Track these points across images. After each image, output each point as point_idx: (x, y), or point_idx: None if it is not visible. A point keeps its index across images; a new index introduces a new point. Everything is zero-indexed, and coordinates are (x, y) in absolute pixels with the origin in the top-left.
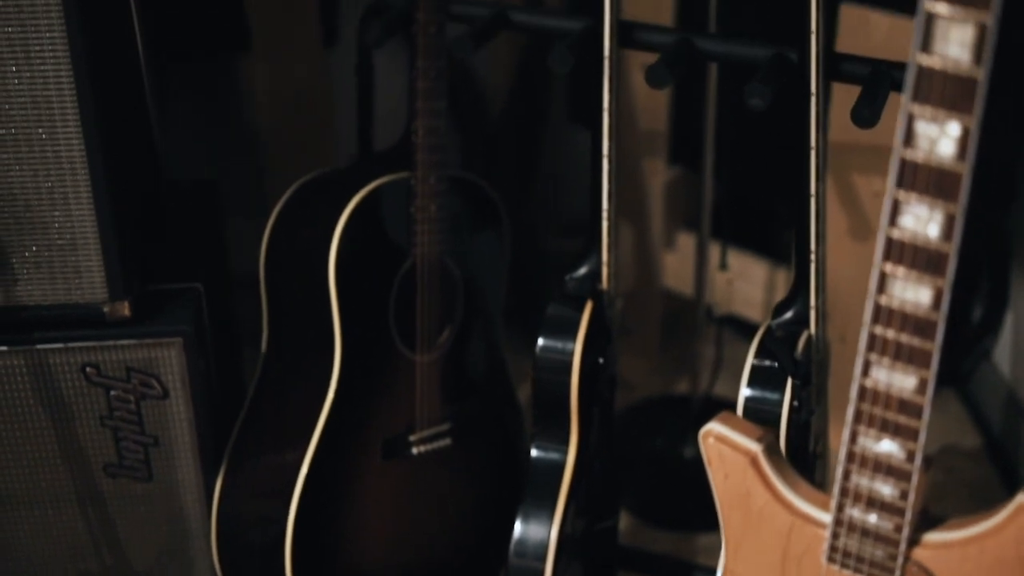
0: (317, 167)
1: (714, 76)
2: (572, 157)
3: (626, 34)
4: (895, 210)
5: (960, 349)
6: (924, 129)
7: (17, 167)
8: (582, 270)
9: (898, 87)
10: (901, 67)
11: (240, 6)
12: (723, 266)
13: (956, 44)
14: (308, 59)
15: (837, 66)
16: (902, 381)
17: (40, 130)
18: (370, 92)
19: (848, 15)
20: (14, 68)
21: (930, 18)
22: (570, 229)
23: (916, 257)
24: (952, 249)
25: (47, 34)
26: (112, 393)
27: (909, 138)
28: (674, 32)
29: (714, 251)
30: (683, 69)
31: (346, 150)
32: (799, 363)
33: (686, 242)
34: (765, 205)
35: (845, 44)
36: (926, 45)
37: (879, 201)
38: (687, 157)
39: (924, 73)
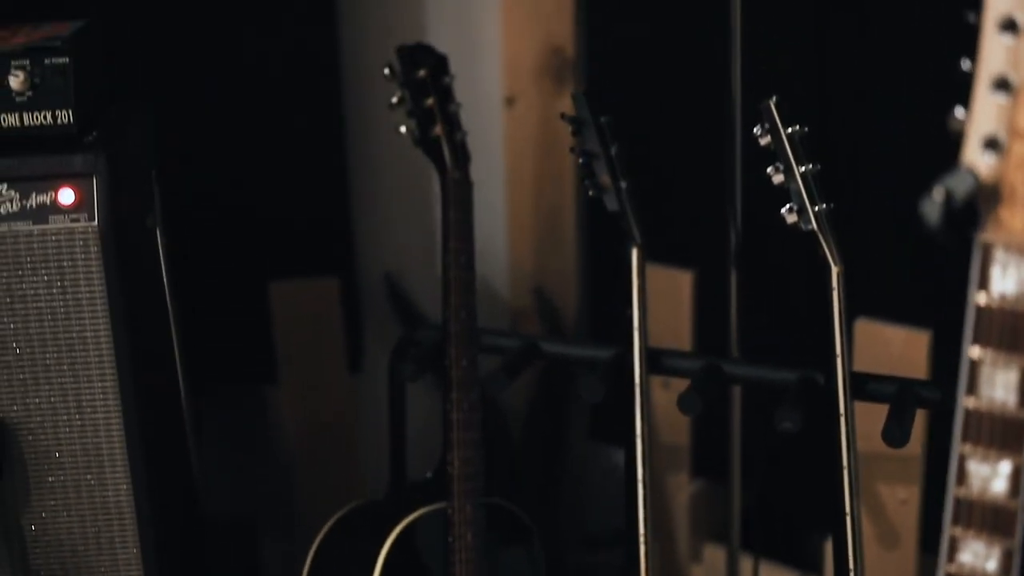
0: (345, 491)
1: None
2: (595, 473)
3: (654, 361)
4: (952, 547)
5: None
6: (976, 468)
7: (65, 513)
8: None
9: (924, 404)
10: (924, 384)
11: (267, 337)
12: None
13: (1001, 387)
14: (334, 386)
15: (863, 386)
16: None
17: (89, 476)
18: (403, 424)
19: (863, 330)
20: (66, 418)
21: (974, 364)
22: (595, 543)
23: None
24: None
25: (99, 383)
26: None
27: (961, 477)
28: (701, 357)
29: (743, 564)
30: (713, 394)
31: (374, 474)
32: None
33: (713, 555)
34: (793, 515)
35: (862, 358)
36: (972, 388)
37: (906, 509)
38: (711, 469)
39: (972, 415)
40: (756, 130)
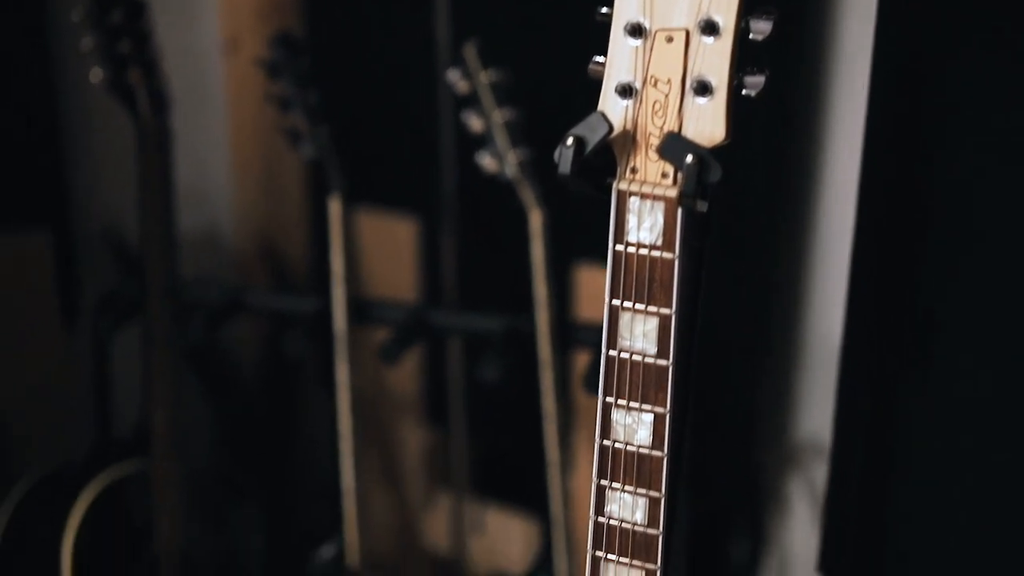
0: (64, 452)
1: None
2: (327, 421)
3: (361, 312)
4: (600, 498)
5: None
6: (620, 419)
7: None
8: (328, 552)
9: None
10: None
11: None
12: (480, 527)
13: (641, 337)
14: (47, 345)
15: (573, 335)
16: None
17: None
18: (107, 380)
19: (586, 277)
20: None
21: (614, 314)
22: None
23: (623, 543)
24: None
25: None
26: None
27: (606, 429)
28: (406, 308)
29: (474, 509)
30: (418, 343)
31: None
32: None
33: (445, 502)
34: (522, 459)
35: (587, 306)
36: (612, 338)
37: None
38: (441, 417)
39: (613, 365)
40: (452, 75)
